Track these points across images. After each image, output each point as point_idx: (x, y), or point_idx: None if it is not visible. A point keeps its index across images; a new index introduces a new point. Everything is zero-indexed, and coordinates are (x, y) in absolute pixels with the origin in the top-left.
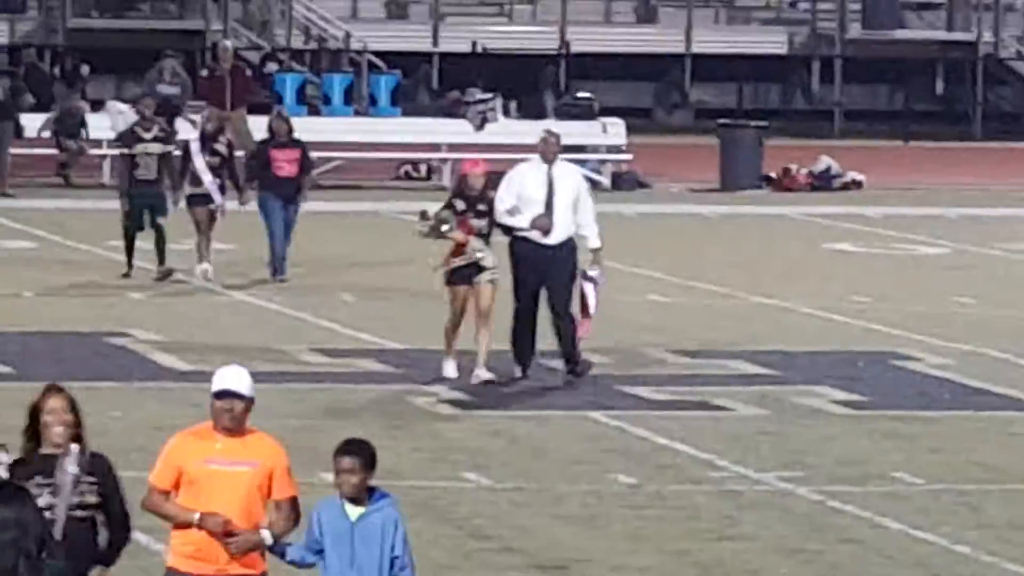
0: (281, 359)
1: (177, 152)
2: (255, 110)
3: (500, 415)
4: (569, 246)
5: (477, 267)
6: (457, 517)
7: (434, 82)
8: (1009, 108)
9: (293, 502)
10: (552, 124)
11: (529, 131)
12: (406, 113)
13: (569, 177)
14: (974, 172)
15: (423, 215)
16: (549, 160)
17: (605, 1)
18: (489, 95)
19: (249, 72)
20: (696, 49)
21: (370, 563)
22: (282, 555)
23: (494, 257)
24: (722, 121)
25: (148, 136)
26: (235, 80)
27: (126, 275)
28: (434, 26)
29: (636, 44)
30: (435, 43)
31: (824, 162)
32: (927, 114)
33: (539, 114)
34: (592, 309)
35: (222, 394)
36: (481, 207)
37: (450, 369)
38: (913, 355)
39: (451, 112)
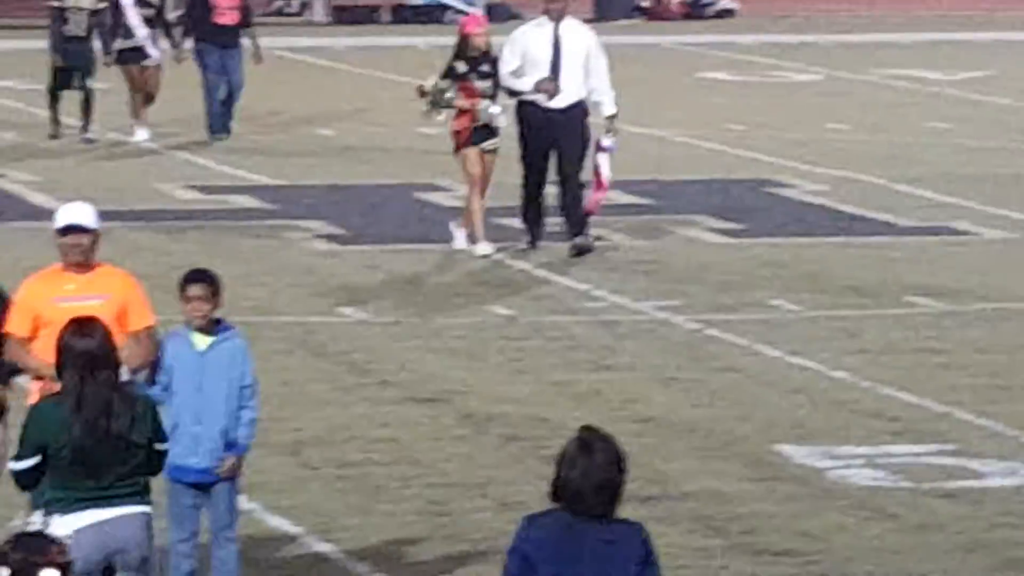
0: (156, 197)
1: (104, 3)
2: None
3: (377, 249)
4: (580, 109)
5: (488, 129)
6: (335, 352)
7: None
8: None
9: (150, 331)
10: None
11: None
12: None
13: (578, 36)
14: None
15: (420, 91)
16: (555, 18)
17: None
18: None
19: None
20: None
21: (217, 391)
22: None
23: (506, 116)
24: None
25: None
26: None
27: (54, 136)
28: None
29: None
30: None
31: None
32: None
33: None
34: (606, 180)
35: (68, 229)
36: (484, 67)
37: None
38: (788, 182)
39: None
